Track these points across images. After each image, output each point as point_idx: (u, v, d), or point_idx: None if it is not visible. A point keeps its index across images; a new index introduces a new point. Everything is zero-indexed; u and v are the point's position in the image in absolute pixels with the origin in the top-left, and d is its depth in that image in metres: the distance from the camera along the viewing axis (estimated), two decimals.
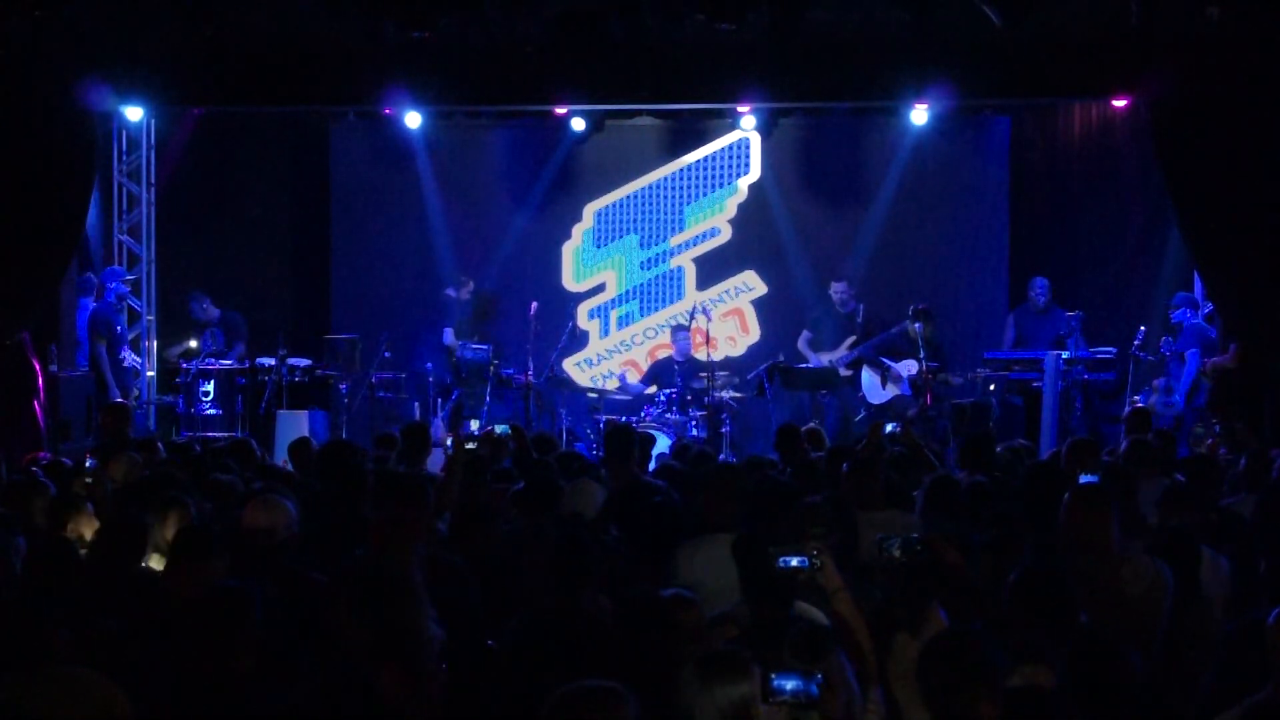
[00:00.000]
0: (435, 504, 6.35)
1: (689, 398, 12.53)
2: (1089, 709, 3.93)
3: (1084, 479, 5.84)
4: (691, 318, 13.08)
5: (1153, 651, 5.03)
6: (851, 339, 13.12)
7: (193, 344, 13.23)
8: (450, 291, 13.71)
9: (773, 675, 3.53)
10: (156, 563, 5.68)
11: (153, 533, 5.71)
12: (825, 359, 13.09)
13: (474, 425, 8.13)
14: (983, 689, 3.65)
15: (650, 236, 14.51)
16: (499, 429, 8.68)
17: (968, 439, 8.26)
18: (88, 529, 6.08)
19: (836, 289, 13.28)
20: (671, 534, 5.99)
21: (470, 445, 7.19)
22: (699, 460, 8.25)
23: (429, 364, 13.28)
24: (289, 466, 8.88)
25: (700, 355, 12.91)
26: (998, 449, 8.28)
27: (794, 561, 4.38)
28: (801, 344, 13.39)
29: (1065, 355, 12.29)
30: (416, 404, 13.22)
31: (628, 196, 14.50)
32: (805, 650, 3.86)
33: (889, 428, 8.52)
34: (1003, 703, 3.69)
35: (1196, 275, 12.29)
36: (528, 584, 5.21)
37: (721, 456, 10.59)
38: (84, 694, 4.07)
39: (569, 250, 14.54)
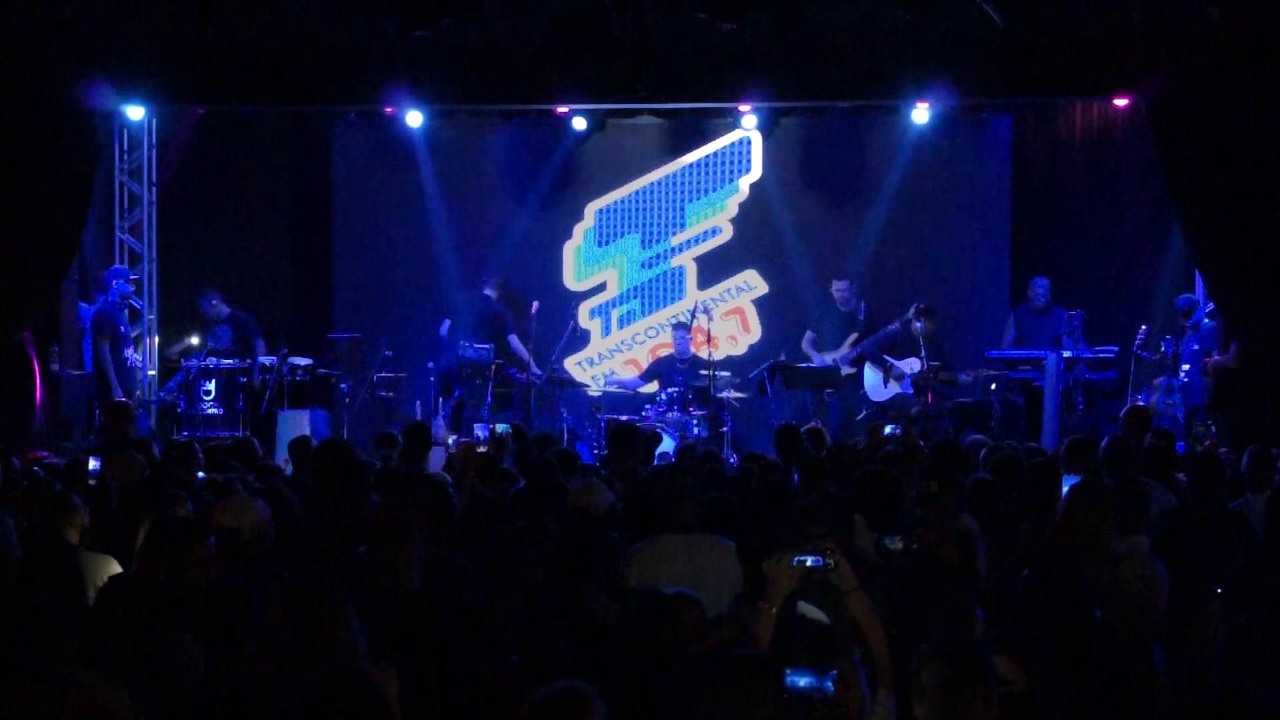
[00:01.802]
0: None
1: (690, 396, 12.53)
2: (1112, 704, 3.93)
3: (1068, 480, 5.82)
4: (693, 317, 13.08)
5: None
6: (854, 336, 13.13)
7: (194, 340, 13.23)
8: (489, 292, 13.63)
9: (787, 670, 3.52)
10: None
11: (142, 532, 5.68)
12: (829, 358, 13.09)
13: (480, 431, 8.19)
14: (979, 690, 3.64)
15: (651, 235, 14.51)
16: (500, 428, 8.68)
17: (934, 450, 8.23)
18: (76, 530, 6.07)
19: (839, 287, 13.28)
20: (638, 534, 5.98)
21: (482, 449, 7.22)
22: (705, 460, 8.25)
23: (430, 363, 13.28)
24: (289, 467, 8.88)
25: (702, 354, 12.92)
26: (982, 452, 8.28)
27: (809, 561, 4.32)
28: (805, 344, 13.39)
29: (1067, 354, 12.29)
30: (418, 403, 13.21)
31: (629, 195, 14.50)
32: (818, 650, 3.84)
33: (888, 429, 8.52)
34: (997, 704, 3.68)
35: (1198, 274, 12.28)
36: (530, 583, 5.20)
37: (722, 456, 10.59)
38: (88, 696, 4.06)
39: (570, 249, 14.54)
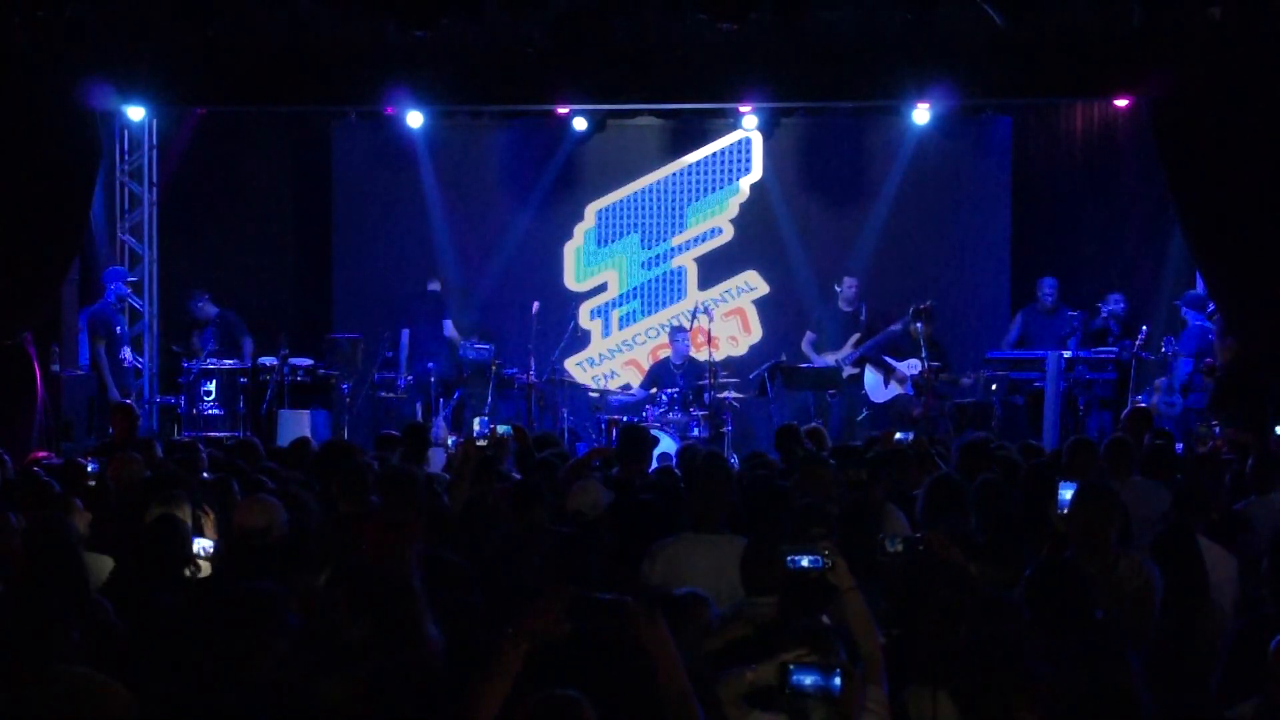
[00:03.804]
0: (448, 502, 6.35)
1: (690, 397, 12.52)
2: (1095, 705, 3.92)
3: (1063, 486, 5.81)
4: (693, 318, 13.07)
5: (1147, 647, 5.04)
6: (856, 337, 13.11)
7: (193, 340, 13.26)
8: (434, 286, 13.69)
9: (791, 668, 3.51)
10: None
11: None
12: (830, 358, 13.08)
13: (477, 425, 8.08)
14: (1022, 693, 3.62)
15: (652, 236, 14.51)
16: (501, 428, 8.67)
17: (961, 449, 8.23)
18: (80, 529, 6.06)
19: (848, 284, 13.27)
20: (657, 532, 5.98)
21: (482, 443, 7.19)
22: (710, 461, 8.24)
23: (430, 364, 13.27)
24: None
25: (701, 355, 12.91)
26: (993, 448, 8.28)
27: (804, 561, 4.28)
28: (805, 346, 13.38)
29: (1067, 355, 12.30)
30: (419, 404, 13.21)
31: (629, 196, 14.50)
32: (819, 649, 3.84)
33: (898, 436, 8.50)
34: (1042, 708, 3.65)
35: (1199, 275, 12.27)
36: (527, 584, 5.19)
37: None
38: (89, 695, 4.06)
39: (571, 250, 14.53)
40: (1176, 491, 6.59)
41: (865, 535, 5.37)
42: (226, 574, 5.39)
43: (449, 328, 13.58)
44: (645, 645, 3.70)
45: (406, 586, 4.24)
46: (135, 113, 12.69)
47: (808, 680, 3.50)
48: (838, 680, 3.49)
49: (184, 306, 13.42)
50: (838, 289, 13.34)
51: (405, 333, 13.53)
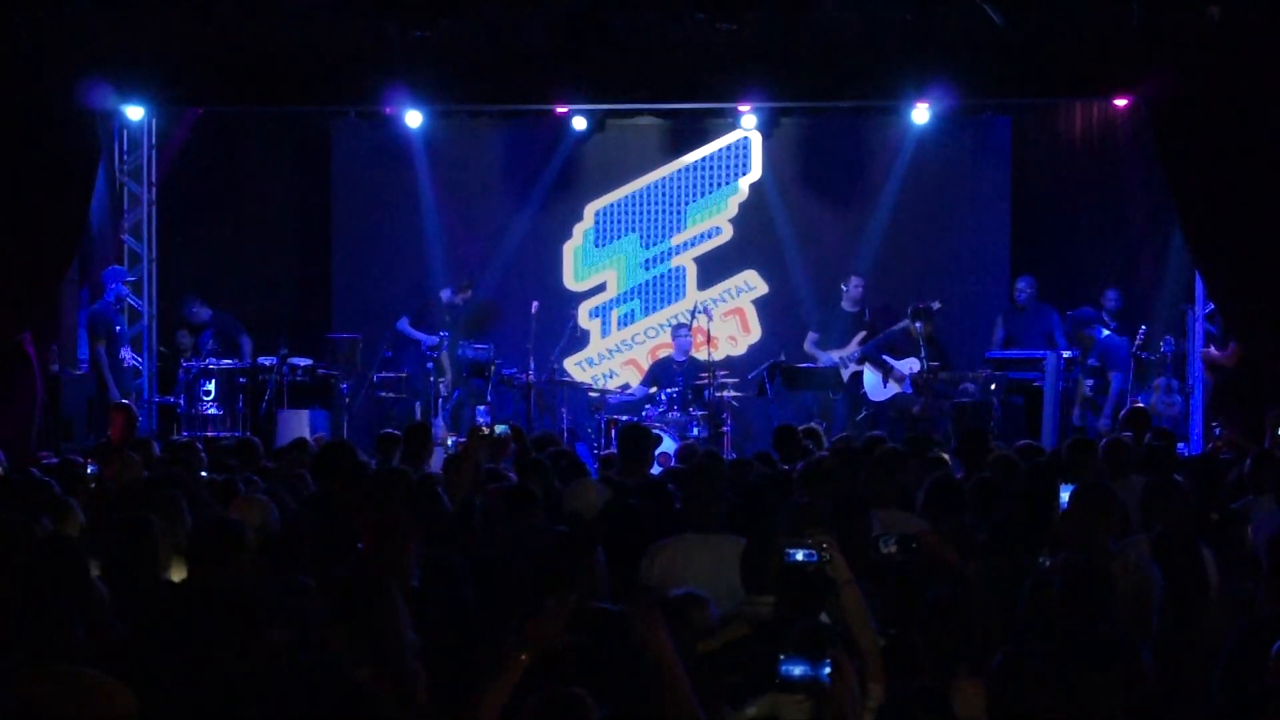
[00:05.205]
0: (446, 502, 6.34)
1: (690, 397, 12.53)
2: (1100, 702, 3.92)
3: (1064, 488, 5.81)
4: (693, 317, 13.08)
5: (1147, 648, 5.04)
6: (861, 334, 13.11)
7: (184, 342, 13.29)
8: (445, 294, 13.64)
9: (781, 659, 3.53)
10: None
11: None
12: (835, 355, 13.08)
13: (479, 418, 8.04)
14: (1059, 700, 3.62)
15: (651, 236, 14.51)
16: (499, 428, 8.67)
17: (962, 437, 8.26)
18: (73, 530, 6.06)
19: (855, 283, 13.27)
20: (646, 535, 5.96)
21: (485, 433, 7.17)
22: (706, 461, 8.24)
23: (430, 364, 13.27)
24: None
25: (701, 355, 12.92)
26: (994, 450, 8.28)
27: (800, 555, 4.29)
28: (808, 345, 13.36)
29: (1066, 355, 12.31)
30: (418, 404, 13.20)
31: (629, 196, 14.50)
32: (808, 644, 3.85)
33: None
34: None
35: (1198, 275, 12.28)
36: (521, 584, 5.19)
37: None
38: (92, 695, 4.06)
39: (570, 250, 14.54)
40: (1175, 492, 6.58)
41: (857, 536, 5.38)
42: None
43: (403, 324, 13.49)
44: (647, 652, 3.71)
45: (385, 591, 4.23)
46: (134, 112, 12.68)
47: (797, 671, 3.52)
48: (827, 670, 3.51)
49: (182, 306, 13.41)
50: (844, 288, 13.32)
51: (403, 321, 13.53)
